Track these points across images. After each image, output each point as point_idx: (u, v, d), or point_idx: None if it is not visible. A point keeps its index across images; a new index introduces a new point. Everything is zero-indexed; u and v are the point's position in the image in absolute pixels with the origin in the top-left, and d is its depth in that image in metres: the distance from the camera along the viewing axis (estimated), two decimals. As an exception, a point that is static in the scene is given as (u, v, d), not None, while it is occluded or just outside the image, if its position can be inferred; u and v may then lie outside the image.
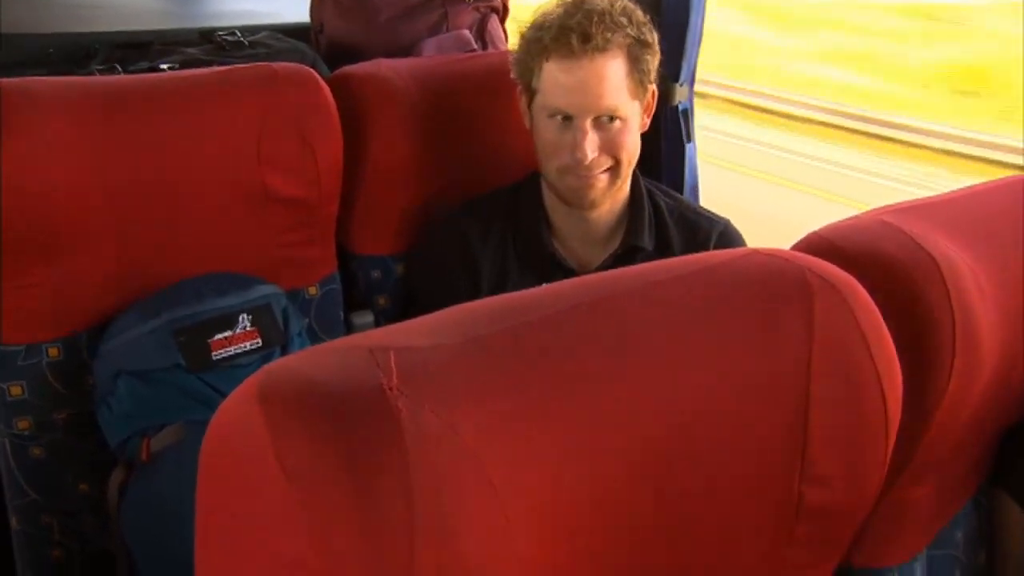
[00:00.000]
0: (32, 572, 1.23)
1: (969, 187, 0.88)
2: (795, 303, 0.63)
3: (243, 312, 1.22)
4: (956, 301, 0.71)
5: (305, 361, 0.53)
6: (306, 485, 0.48)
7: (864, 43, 7.83)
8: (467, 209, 1.41)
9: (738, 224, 1.44)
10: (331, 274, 1.43)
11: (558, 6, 1.28)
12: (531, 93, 1.31)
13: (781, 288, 0.64)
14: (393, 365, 0.51)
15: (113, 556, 1.20)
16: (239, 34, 1.79)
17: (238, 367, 1.19)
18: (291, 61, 1.46)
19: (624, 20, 1.26)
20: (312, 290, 1.41)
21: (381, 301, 1.50)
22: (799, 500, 0.64)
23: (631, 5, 1.29)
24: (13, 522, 1.22)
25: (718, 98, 6.37)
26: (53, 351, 1.21)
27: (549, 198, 1.37)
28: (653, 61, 1.29)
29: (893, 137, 5.90)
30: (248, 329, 1.22)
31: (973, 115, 6.19)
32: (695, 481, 0.61)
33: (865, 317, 0.64)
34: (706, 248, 1.36)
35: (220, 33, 1.79)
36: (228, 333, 1.20)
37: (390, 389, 0.50)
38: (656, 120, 1.38)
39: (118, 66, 1.67)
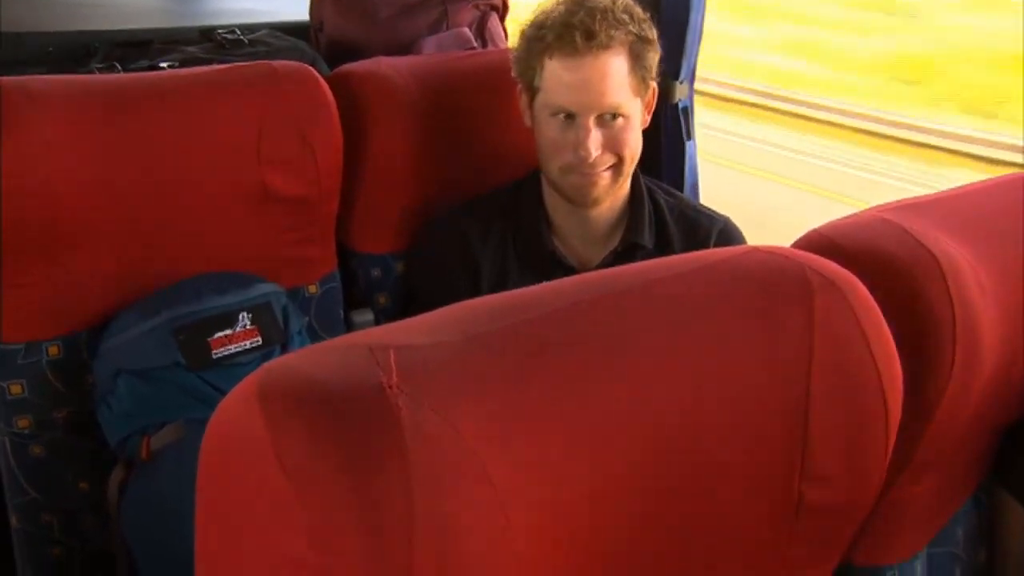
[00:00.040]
0: (32, 570, 1.24)
1: (969, 184, 0.88)
2: (795, 301, 0.63)
3: (243, 310, 1.22)
4: (956, 298, 0.70)
5: (305, 359, 0.53)
6: (306, 483, 0.48)
7: (820, 35, 8.32)
8: (467, 208, 1.41)
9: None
10: (331, 272, 1.43)
11: (559, 4, 1.28)
12: (533, 91, 1.30)
13: (781, 286, 0.64)
14: (393, 363, 0.51)
15: (113, 555, 1.20)
16: (239, 32, 1.79)
17: (238, 365, 1.19)
18: (291, 59, 1.46)
19: (626, 17, 1.26)
20: (312, 288, 1.41)
21: (381, 299, 1.49)
22: (799, 498, 0.64)
23: (631, 2, 1.29)
24: (13, 520, 1.23)
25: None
26: (53, 350, 1.21)
27: (549, 196, 1.37)
28: (654, 58, 1.29)
29: (828, 120, 6.38)
30: (248, 327, 1.22)
31: (907, 101, 6.71)
32: (695, 479, 0.61)
33: (865, 315, 0.64)
34: (706, 246, 1.36)
35: (220, 31, 1.79)
36: (228, 331, 1.20)
37: (390, 387, 0.50)
38: (656, 118, 1.38)
39: (118, 64, 1.67)
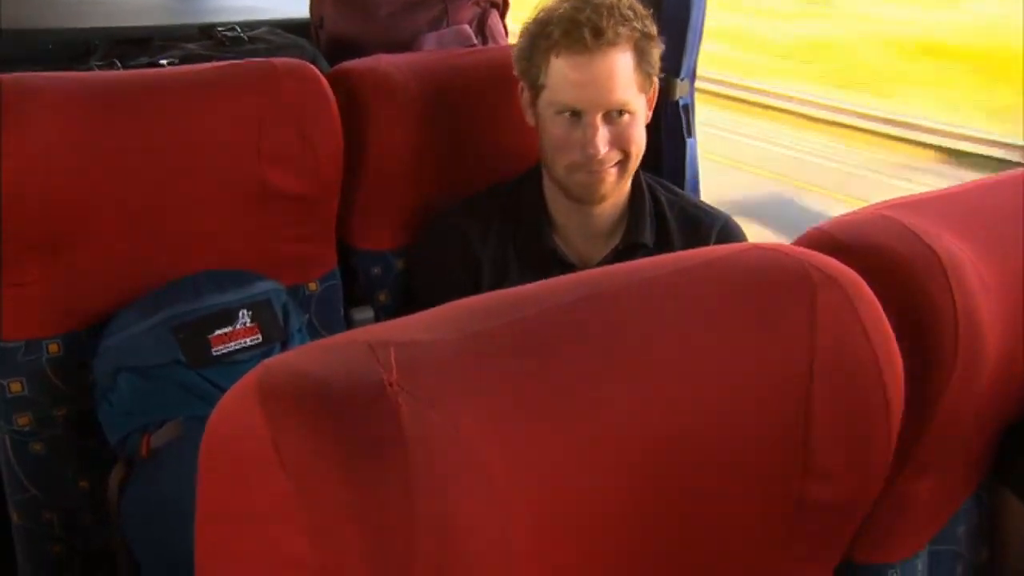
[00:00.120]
0: (32, 568, 1.24)
1: (971, 182, 0.88)
2: (797, 298, 0.63)
3: (243, 308, 1.22)
4: (958, 295, 0.70)
5: (305, 356, 0.53)
6: (305, 481, 0.48)
7: (746, 22, 9.10)
8: (467, 205, 1.40)
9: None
10: (331, 270, 1.43)
11: (564, 1, 1.27)
12: (537, 89, 1.29)
13: (783, 283, 0.64)
14: (393, 360, 0.51)
15: (113, 552, 1.20)
16: (239, 29, 1.79)
17: (238, 363, 1.19)
18: (291, 56, 1.46)
19: (631, 14, 1.25)
20: (312, 286, 1.41)
21: (381, 297, 1.49)
22: (801, 495, 0.64)
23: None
24: (14, 518, 1.23)
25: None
26: (53, 347, 1.21)
27: (550, 193, 1.37)
28: (657, 54, 1.29)
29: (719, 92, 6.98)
30: (248, 325, 1.22)
31: (801, 78, 7.51)
32: (696, 476, 0.60)
33: (867, 311, 0.64)
34: (707, 243, 1.36)
35: (220, 29, 1.79)
36: (228, 329, 1.20)
37: (390, 385, 0.50)
38: (657, 115, 1.38)
39: (118, 62, 1.67)
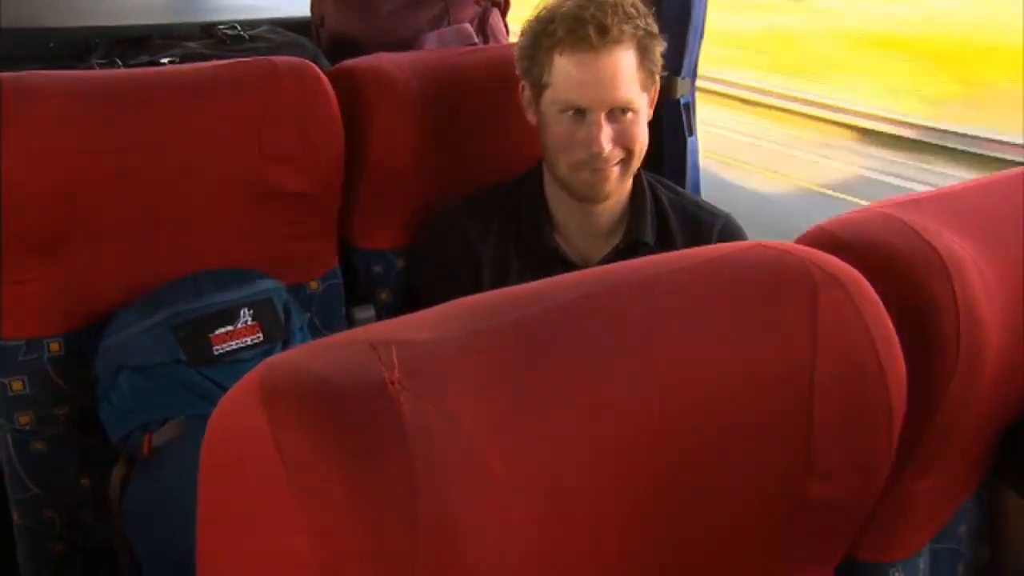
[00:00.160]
0: (34, 566, 1.24)
1: (973, 180, 0.87)
2: (799, 296, 0.63)
3: (244, 306, 1.22)
4: (960, 294, 0.70)
5: (306, 355, 0.53)
6: (307, 479, 0.48)
7: (712, 15, 9.64)
8: (467, 204, 1.40)
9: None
10: (333, 268, 1.42)
11: None
12: (540, 87, 1.29)
13: (785, 281, 0.64)
14: (395, 359, 0.51)
15: (115, 551, 1.20)
16: (239, 28, 1.79)
17: (239, 362, 1.19)
18: (292, 55, 1.46)
19: (634, 11, 1.25)
20: (314, 284, 1.41)
21: (383, 295, 1.49)
22: (803, 494, 0.64)
23: None
24: (15, 516, 1.23)
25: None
26: (54, 346, 1.21)
27: (551, 192, 1.36)
28: (659, 52, 1.29)
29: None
30: (249, 324, 1.22)
31: (750, 67, 7.94)
32: (697, 475, 0.60)
33: (869, 310, 0.64)
34: (708, 242, 1.36)
35: (220, 27, 1.79)
36: (229, 328, 1.20)
37: (392, 383, 0.50)
38: (658, 113, 1.38)
39: (118, 60, 1.67)
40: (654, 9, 1.30)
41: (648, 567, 0.61)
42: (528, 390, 0.54)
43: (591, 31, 1.22)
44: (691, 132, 1.69)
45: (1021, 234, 0.78)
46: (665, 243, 1.37)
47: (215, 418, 0.52)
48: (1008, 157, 6.29)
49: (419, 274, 1.46)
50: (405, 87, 1.42)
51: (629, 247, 1.35)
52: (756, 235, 0.86)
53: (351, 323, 1.45)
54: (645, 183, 1.38)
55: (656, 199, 1.39)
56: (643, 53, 1.26)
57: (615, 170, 1.29)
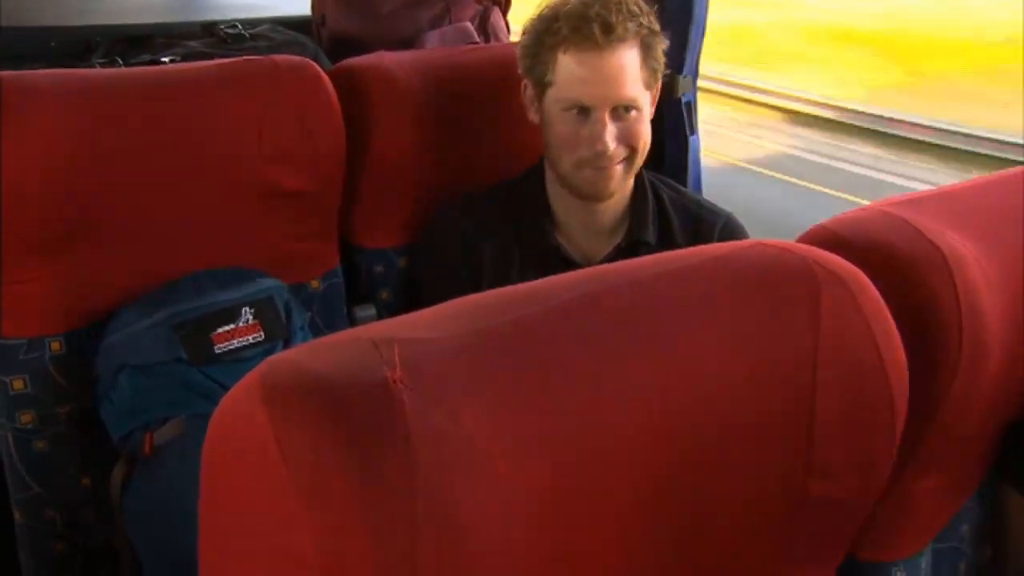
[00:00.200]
0: (35, 566, 1.24)
1: (975, 179, 0.87)
2: (801, 295, 0.63)
3: (245, 305, 1.22)
4: (962, 293, 0.70)
5: (308, 354, 0.53)
6: (310, 478, 0.48)
7: None
8: (469, 203, 1.40)
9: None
10: (334, 268, 1.42)
11: None
12: (543, 86, 1.29)
13: (787, 280, 0.64)
14: (397, 358, 0.51)
15: (116, 550, 1.20)
16: (240, 27, 1.79)
17: (241, 361, 1.19)
18: (293, 54, 1.45)
19: (636, 9, 1.25)
20: (315, 283, 1.41)
21: (384, 295, 1.49)
22: (804, 493, 0.64)
23: None
24: (16, 516, 1.23)
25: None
26: (55, 345, 1.21)
27: (553, 191, 1.36)
28: (662, 50, 1.29)
29: None
30: (250, 322, 1.22)
31: (704, 57, 8.59)
32: (699, 473, 0.60)
33: (871, 309, 0.64)
34: (709, 241, 1.36)
35: (221, 26, 1.79)
36: (230, 326, 1.20)
37: (394, 382, 0.50)
38: (659, 112, 1.38)
39: (119, 59, 1.67)
40: (656, 7, 1.30)
41: (649, 565, 0.61)
42: (530, 389, 0.54)
43: (596, 29, 1.22)
44: (692, 131, 1.69)
45: (1022, 232, 0.78)
46: (666, 242, 1.36)
47: (217, 417, 0.52)
48: (918, 137, 6.89)
49: (420, 272, 1.46)
50: (406, 86, 1.42)
51: (630, 246, 1.35)
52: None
53: (352, 322, 1.45)
54: (646, 182, 1.38)
55: (657, 198, 1.39)
56: (646, 51, 1.26)
57: (618, 168, 1.28)
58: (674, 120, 1.67)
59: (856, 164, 6.59)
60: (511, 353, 0.55)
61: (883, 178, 6.30)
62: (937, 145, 6.80)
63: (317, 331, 1.38)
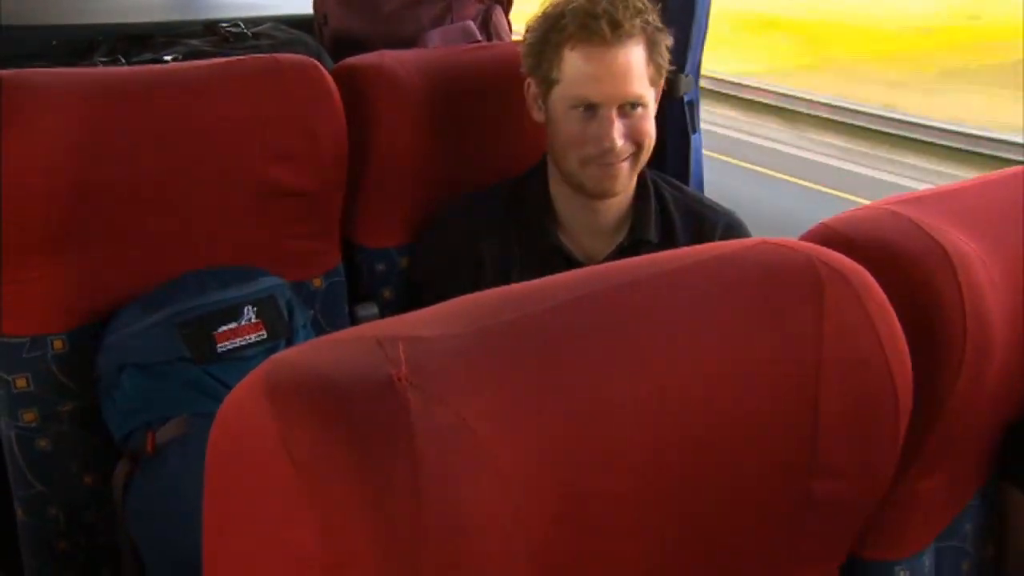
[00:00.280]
0: (38, 564, 1.24)
1: (979, 177, 0.87)
2: (805, 293, 0.63)
3: (247, 304, 1.22)
4: (966, 291, 0.70)
5: (312, 352, 0.53)
6: (314, 476, 0.48)
7: None
8: (470, 202, 1.40)
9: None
10: (336, 267, 1.42)
11: None
12: (549, 84, 1.28)
13: (791, 278, 0.64)
14: (402, 356, 0.51)
15: (118, 549, 1.20)
16: (242, 26, 1.79)
17: (243, 359, 1.19)
18: (295, 52, 1.45)
19: (641, 6, 1.25)
20: (317, 282, 1.41)
21: (386, 294, 1.49)
22: (808, 491, 0.64)
23: None
24: (19, 514, 1.23)
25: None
26: (58, 344, 1.21)
27: (556, 189, 1.36)
28: (666, 47, 1.29)
29: None
30: (253, 321, 1.22)
31: None
32: (704, 471, 0.60)
33: (875, 307, 0.64)
34: (711, 239, 1.36)
35: (224, 25, 1.79)
36: (233, 325, 1.20)
37: (399, 380, 0.50)
38: (661, 111, 1.38)
39: (121, 58, 1.67)
40: (659, 6, 1.30)
41: (655, 564, 0.61)
42: (534, 387, 0.54)
43: (604, 25, 1.22)
44: (695, 130, 1.69)
45: None
46: (668, 241, 1.36)
47: (221, 415, 0.52)
48: (802, 110, 7.58)
49: (421, 271, 1.46)
50: (408, 85, 1.42)
51: (633, 245, 1.35)
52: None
53: (354, 321, 1.45)
54: (649, 181, 1.38)
55: (659, 197, 1.39)
56: (652, 48, 1.26)
57: (624, 165, 1.28)
58: (676, 119, 1.66)
59: (744, 132, 7.06)
60: (515, 351, 0.55)
61: (776, 147, 6.79)
62: (826, 119, 7.51)
63: (319, 330, 1.38)
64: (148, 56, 1.68)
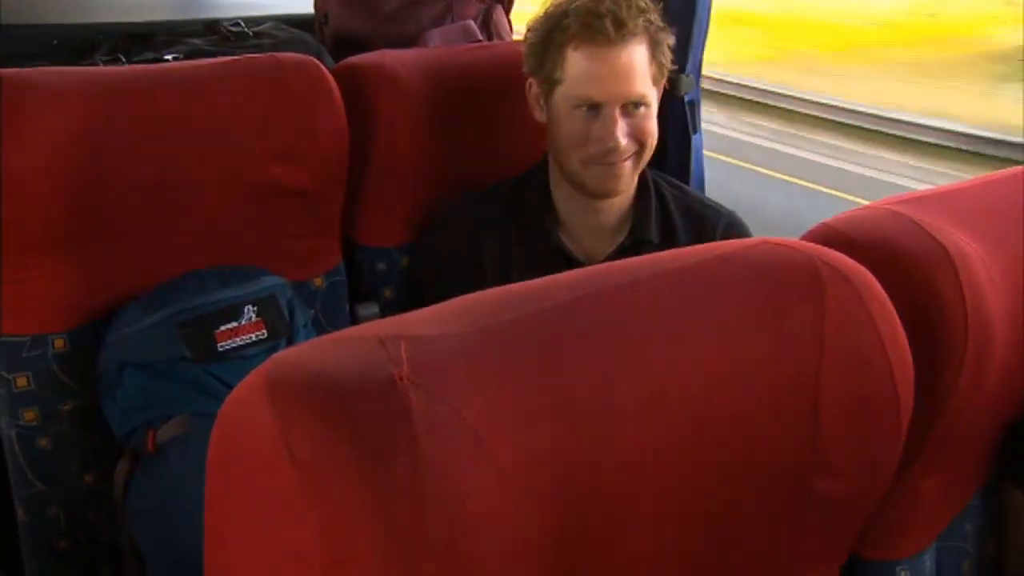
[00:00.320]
0: (38, 563, 1.24)
1: (980, 177, 0.87)
2: (806, 293, 0.63)
3: (248, 303, 1.22)
4: (968, 290, 0.70)
5: (314, 351, 0.53)
6: (316, 476, 0.48)
7: None
8: (471, 201, 1.40)
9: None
10: (336, 266, 1.42)
11: None
12: (551, 83, 1.28)
13: (792, 278, 0.64)
14: (404, 355, 0.51)
15: (119, 548, 1.20)
16: (243, 25, 1.79)
17: (244, 359, 1.19)
18: (296, 52, 1.45)
19: (644, 5, 1.25)
20: (318, 281, 1.41)
21: (386, 293, 1.49)
22: (809, 491, 0.64)
23: None
24: (19, 513, 1.23)
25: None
26: (59, 343, 1.21)
27: (556, 189, 1.36)
28: (668, 46, 1.29)
29: None
30: (254, 320, 1.22)
31: None
32: (704, 470, 0.60)
33: (877, 307, 0.64)
34: (712, 239, 1.36)
35: (224, 24, 1.79)
36: (234, 324, 1.20)
37: (401, 379, 0.50)
38: (662, 110, 1.38)
39: (122, 57, 1.67)
40: (660, 5, 1.30)
41: (655, 564, 0.61)
42: (537, 386, 0.54)
43: (608, 24, 1.22)
44: (695, 130, 1.69)
45: None
46: (669, 241, 1.36)
47: (222, 414, 0.52)
48: (749, 97, 8.13)
49: (422, 270, 1.46)
50: (409, 84, 1.42)
51: (633, 245, 1.35)
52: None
53: (355, 320, 1.46)
54: (649, 181, 1.38)
55: (660, 197, 1.39)
56: (654, 47, 1.26)
57: (627, 165, 1.28)
58: (677, 119, 1.66)
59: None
60: (516, 351, 0.55)
61: (709, 128, 7.34)
62: (768, 105, 8.19)
63: (320, 329, 1.38)
64: (149, 55, 1.68)
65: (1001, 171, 0.89)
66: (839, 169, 6.68)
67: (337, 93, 1.33)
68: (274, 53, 1.36)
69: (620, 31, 1.22)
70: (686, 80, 1.64)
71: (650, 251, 0.67)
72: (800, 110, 7.91)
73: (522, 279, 0.61)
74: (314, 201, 1.35)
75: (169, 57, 1.66)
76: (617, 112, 1.25)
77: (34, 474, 1.21)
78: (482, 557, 0.50)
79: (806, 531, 0.66)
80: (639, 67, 1.25)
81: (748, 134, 7.41)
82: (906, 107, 7.48)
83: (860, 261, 0.66)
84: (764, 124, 7.73)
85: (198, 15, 1.95)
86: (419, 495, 0.48)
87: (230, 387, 0.53)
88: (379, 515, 0.48)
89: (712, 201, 1.44)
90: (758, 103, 8.25)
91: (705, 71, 1.72)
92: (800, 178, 6.35)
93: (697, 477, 0.60)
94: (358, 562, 0.48)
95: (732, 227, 1.40)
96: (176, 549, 1.08)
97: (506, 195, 1.39)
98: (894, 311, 0.65)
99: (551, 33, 1.27)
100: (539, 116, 1.34)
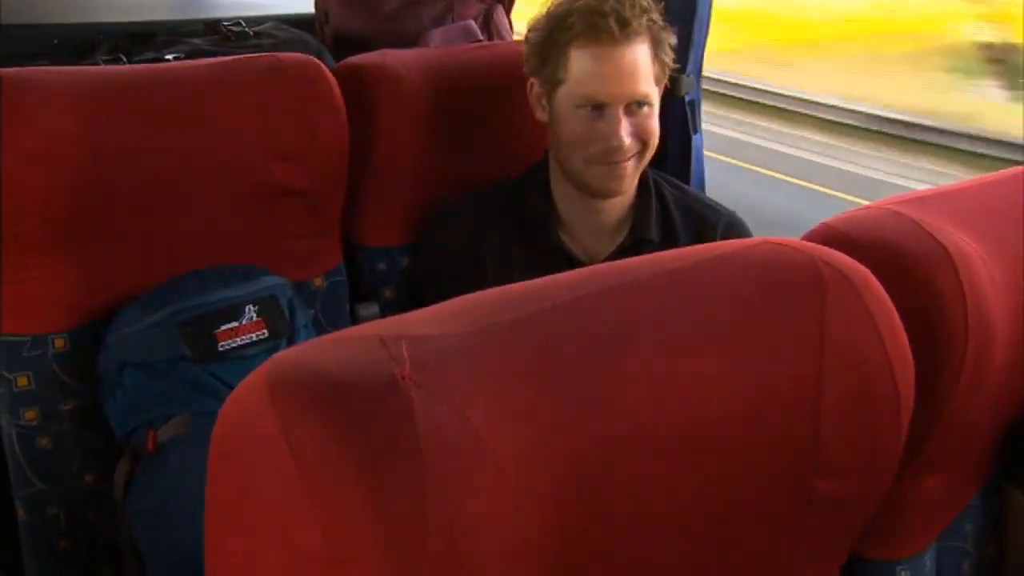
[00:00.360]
0: (39, 563, 1.24)
1: (980, 177, 0.87)
2: (807, 293, 0.63)
3: (249, 303, 1.22)
4: (968, 291, 0.70)
5: (315, 351, 0.53)
6: (317, 475, 0.48)
7: None
8: (471, 200, 1.40)
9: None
10: (337, 266, 1.42)
11: None
12: (554, 83, 1.28)
13: (792, 278, 0.64)
14: (405, 354, 0.51)
15: (119, 547, 1.20)
16: (244, 25, 1.79)
17: (244, 358, 1.19)
18: (296, 52, 1.45)
19: (646, 4, 1.25)
20: (318, 281, 1.41)
21: (386, 293, 1.49)
22: (810, 491, 0.64)
23: None
24: (20, 513, 1.23)
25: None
26: (59, 342, 1.21)
27: (557, 189, 1.36)
28: (669, 45, 1.29)
29: None
30: (254, 320, 1.21)
31: None
32: (705, 471, 0.60)
33: (877, 307, 0.64)
34: (712, 239, 1.36)
35: (225, 24, 1.79)
36: (234, 324, 1.20)
37: (402, 379, 0.50)
38: (663, 110, 1.38)
39: (123, 57, 1.67)
40: (661, 5, 1.30)
41: (655, 564, 0.61)
42: (536, 386, 0.54)
43: (612, 23, 1.22)
44: (696, 129, 1.68)
45: None
46: (669, 241, 1.36)
47: (224, 414, 0.52)
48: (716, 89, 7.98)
49: (422, 270, 1.46)
50: (409, 84, 1.42)
51: (634, 245, 1.35)
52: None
53: (355, 320, 1.46)
54: (650, 180, 1.38)
55: (660, 196, 1.39)
56: (657, 46, 1.26)
57: (629, 164, 1.28)
58: (677, 118, 1.66)
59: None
60: (517, 350, 0.55)
61: None
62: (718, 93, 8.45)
63: (320, 329, 1.38)
64: (150, 55, 1.68)
65: (1002, 171, 0.89)
66: (762, 147, 7.11)
67: (338, 93, 1.33)
68: (275, 53, 1.36)
69: (624, 30, 1.22)
70: (687, 80, 1.64)
71: (650, 251, 0.67)
72: (743, 96, 8.36)
73: (522, 279, 0.61)
74: (314, 201, 1.35)
75: (170, 57, 1.66)
76: (621, 111, 1.25)
77: (34, 474, 1.21)
78: (482, 557, 0.50)
79: (806, 531, 0.66)
80: (643, 66, 1.25)
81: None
82: (848, 95, 7.89)
83: (861, 261, 0.66)
84: (719, 113, 8.09)
85: (199, 15, 1.95)
86: (421, 494, 0.48)
87: (230, 387, 0.53)
88: (380, 514, 0.48)
89: (712, 201, 1.44)
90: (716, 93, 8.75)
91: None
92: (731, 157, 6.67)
93: (697, 477, 0.60)
94: (359, 562, 0.48)
95: (732, 227, 1.40)
96: (176, 549, 1.08)
97: (506, 195, 1.39)
98: (895, 311, 0.65)
99: (554, 32, 1.26)
100: (541, 116, 1.33)
